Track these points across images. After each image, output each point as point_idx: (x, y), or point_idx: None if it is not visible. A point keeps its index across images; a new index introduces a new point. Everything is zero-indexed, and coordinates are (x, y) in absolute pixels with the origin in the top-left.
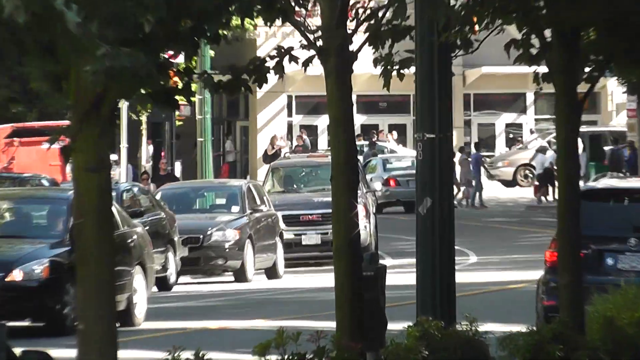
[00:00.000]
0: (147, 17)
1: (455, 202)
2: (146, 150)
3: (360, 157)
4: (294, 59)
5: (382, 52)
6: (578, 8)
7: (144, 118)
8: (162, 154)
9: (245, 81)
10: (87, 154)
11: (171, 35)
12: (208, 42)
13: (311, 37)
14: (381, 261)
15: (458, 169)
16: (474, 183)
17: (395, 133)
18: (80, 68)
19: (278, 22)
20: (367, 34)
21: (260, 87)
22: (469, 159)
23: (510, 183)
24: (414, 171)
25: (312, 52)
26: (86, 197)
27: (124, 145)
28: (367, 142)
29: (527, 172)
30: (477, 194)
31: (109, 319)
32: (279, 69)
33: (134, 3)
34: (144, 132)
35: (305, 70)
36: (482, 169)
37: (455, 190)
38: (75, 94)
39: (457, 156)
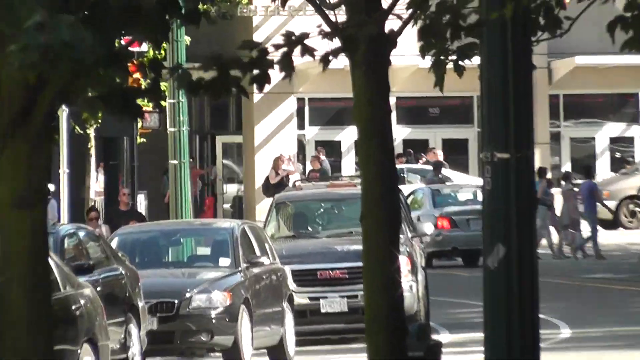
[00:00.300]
0: None
1: (551, 251)
2: (96, 177)
3: (417, 187)
4: (308, 50)
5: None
6: None
7: (92, 132)
8: (121, 180)
9: (237, 80)
10: (14, 183)
11: (130, 12)
12: (183, 22)
13: (330, 14)
14: (434, 336)
15: (559, 203)
16: (586, 224)
17: (440, 152)
18: (3, 49)
19: None
20: (409, 10)
21: (260, 89)
22: (577, 190)
23: (610, 223)
24: (476, 207)
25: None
26: (12, 243)
27: (64, 169)
28: (418, 163)
29: (635, 207)
30: (592, 240)
31: None
32: (287, 64)
33: None
34: (93, 152)
35: (326, 62)
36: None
37: (554, 234)
38: None
39: (546, 182)
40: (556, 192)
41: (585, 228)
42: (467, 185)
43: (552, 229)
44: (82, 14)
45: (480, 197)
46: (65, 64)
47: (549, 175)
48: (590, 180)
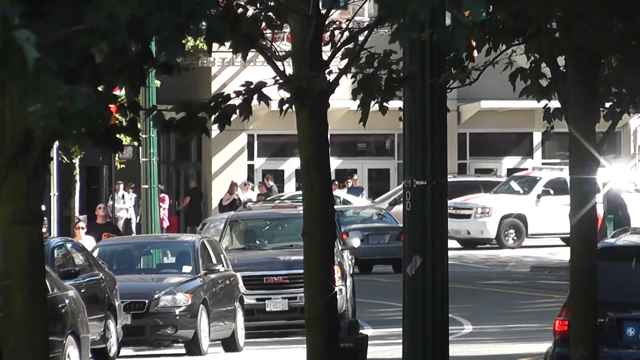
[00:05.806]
0: (101, 46)
1: None
2: (80, 199)
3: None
4: (264, 98)
5: (360, 75)
6: (600, 31)
7: (77, 161)
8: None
9: (203, 120)
10: (15, 204)
11: (120, 64)
12: (158, 71)
13: (279, 65)
14: (361, 331)
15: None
16: None
17: (355, 179)
18: (19, 107)
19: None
20: (344, 60)
21: (221, 129)
22: None
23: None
24: (373, 224)
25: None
26: (14, 254)
27: (54, 192)
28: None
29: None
30: None
31: None
32: (246, 109)
33: (87, 28)
34: (78, 178)
35: (282, 109)
36: None
37: None
38: None
39: None
40: None
41: None
42: (367, 207)
43: None
44: (84, 70)
45: (376, 218)
46: (77, 125)
47: None
48: None
